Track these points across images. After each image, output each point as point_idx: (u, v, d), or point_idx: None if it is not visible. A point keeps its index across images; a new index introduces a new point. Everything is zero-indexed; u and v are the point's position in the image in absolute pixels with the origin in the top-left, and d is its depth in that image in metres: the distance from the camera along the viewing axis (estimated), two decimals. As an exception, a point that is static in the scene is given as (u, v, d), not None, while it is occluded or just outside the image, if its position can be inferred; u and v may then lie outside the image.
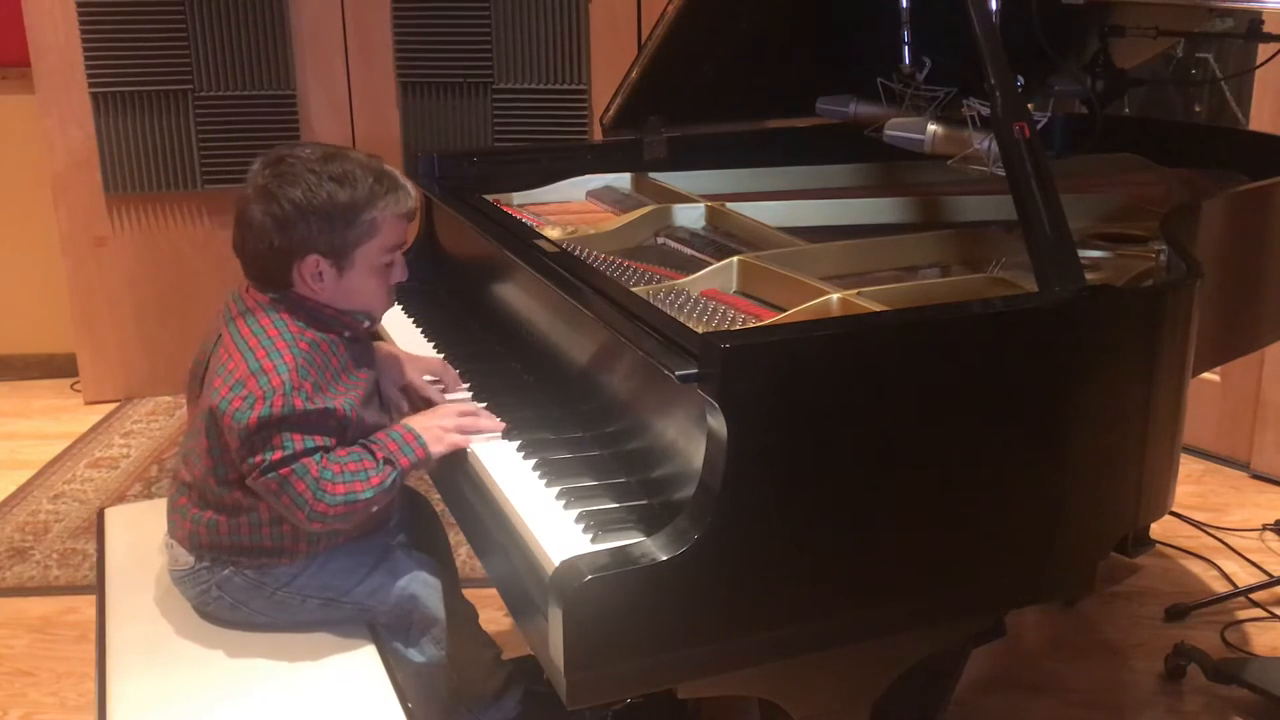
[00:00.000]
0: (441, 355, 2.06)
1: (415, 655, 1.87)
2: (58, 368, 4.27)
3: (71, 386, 4.17)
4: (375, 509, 1.70)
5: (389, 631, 1.85)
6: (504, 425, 1.73)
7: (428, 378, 1.94)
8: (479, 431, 1.72)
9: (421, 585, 1.84)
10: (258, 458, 1.61)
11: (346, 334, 1.75)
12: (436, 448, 1.69)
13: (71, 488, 3.44)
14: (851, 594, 1.44)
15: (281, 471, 1.61)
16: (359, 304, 1.75)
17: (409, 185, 1.74)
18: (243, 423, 1.60)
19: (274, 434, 1.61)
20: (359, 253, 1.69)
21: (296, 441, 1.61)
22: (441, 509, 2.10)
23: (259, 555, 1.75)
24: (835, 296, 1.68)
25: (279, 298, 1.71)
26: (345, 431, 1.68)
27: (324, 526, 1.66)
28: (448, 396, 1.90)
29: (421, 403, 1.91)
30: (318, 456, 1.63)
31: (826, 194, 2.45)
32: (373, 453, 1.67)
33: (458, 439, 1.70)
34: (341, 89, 3.96)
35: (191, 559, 1.78)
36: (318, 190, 1.64)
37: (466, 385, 1.94)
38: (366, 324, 1.79)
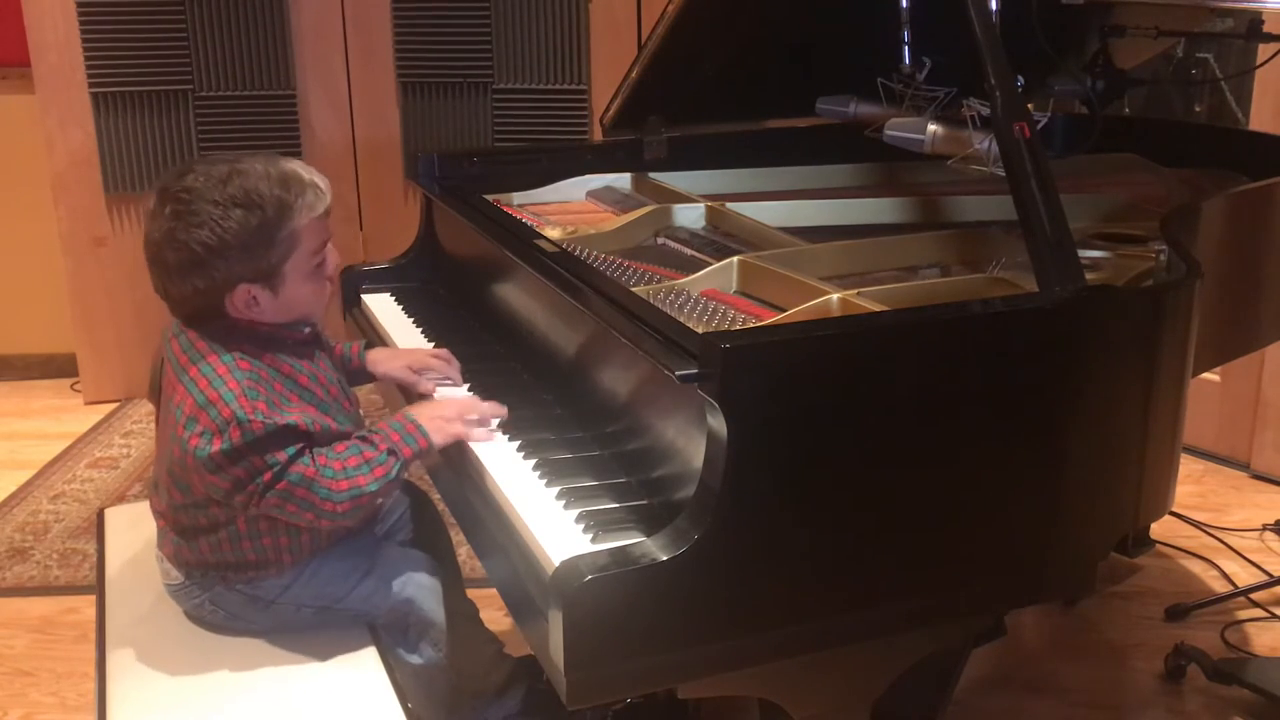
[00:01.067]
0: (441, 355, 2.07)
1: (414, 658, 1.86)
2: (58, 368, 4.27)
3: (71, 386, 4.17)
4: (380, 501, 1.69)
5: (388, 633, 1.84)
6: (506, 411, 1.73)
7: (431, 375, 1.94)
8: (480, 420, 1.72)
9: (417, 588, 1.83)
10: (250, 486, 1.59)
11: (289, 343, 1.71)
12: (438, 438, 1.69)
13: (71, 488, 3.44)
14: (852, 594, 1.44)
15: (278, 487, 1.59)
16: (298, 314, 1.70)
17: (319, 180, 1.65)
18: (204, 457, 1.57)
19: (253, 457, 1.57)
20: (288, 267, 1.63)
21: (279, 456, 1.59)
22: (443, 508, 2.10)
23: (245, 569, 1.74)
24: (835, 296, 1.68)
25: (215, 327, 1.65)
26: (311, 440, 1.64)
27: (333, 524, 1.66)
28: (448, 392, 1.90)
29: (418, 397, 1.92)
30: (306, 459, 1.61)
31: (826, 194, 2.45)
32: (374, 444, 1.66)
33: (459, 429, 1.70)
34: (341, 89, 3.96)
35: (181, 575, 1.78)
36: (226, 222, 1.55)
37: (466, 385, 1.94)
38: (307, 330, 1.75)
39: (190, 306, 1.65)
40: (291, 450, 1.60)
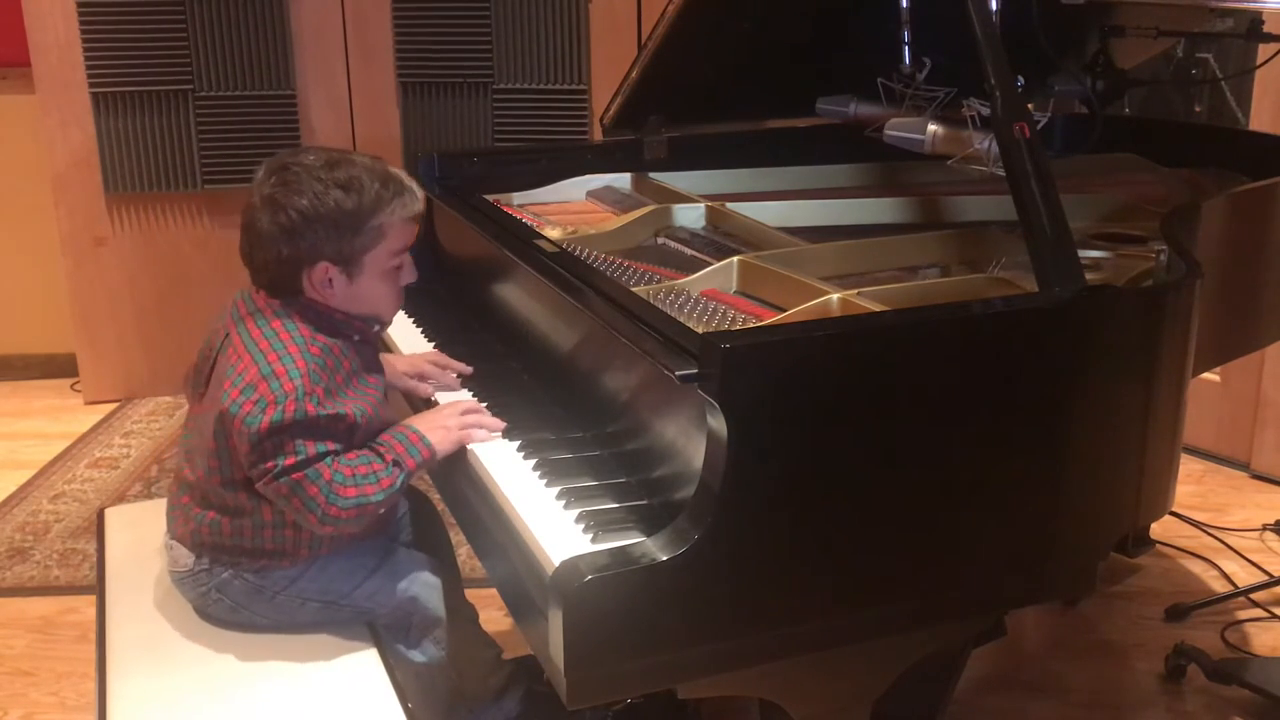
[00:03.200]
0: (441, 355, 2.07)
1: (416, 656, 1.87)
2: (58, 368, 4.27)
3: (71, 386, 4.17)
4: (383, 511, 1.71)
5: (389, 632, 1.85)
6: (505, 424, 1.73)
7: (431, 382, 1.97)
8: (482, 428, 1.72)
9: (422, 586, 1.84)
10: (269, 463, 1.61)
11: (356, 338, 1.75)
12: (442, 447, 1.70)
13: (71, 488, 3.44)
14: (851, 594, 1.44)
15: (294, 476, 1.61)
16: (369, 309, 1.75)
17: (415, 187, 1.74)
18: (254, 427, 1.59)
19: (286, 439, 1.60)
20: (368, 258, 1.70)
21: (309, 447, 1.61)
22: (443, 508, 2.10)
23: (259, 557, 1.75)
24: (835, 296, 1.68)
25: (290, 302, 1.71)
26: (354, 436, 1.68)
27: (335, 530, 1.67)
28: (450, 395, 1.90)
29: (423, 404, 1.92)
30: (329, 460, 1.62)
31: (826, 194, 2.45)
32: (381, 455, 1.67)
33: (462, 435, 1.71)
34: (341, 89, 3.96)
35: (191, 559, 1.78)
36: (325, 198, 1.64)
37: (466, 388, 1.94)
38: (376, 328, 1.80)
39: (270, 275, 1.70)
40: (323, 448, 1.62)
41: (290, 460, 1.60)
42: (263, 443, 1.60)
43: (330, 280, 1.69)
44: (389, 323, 1.83)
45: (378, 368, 1.83)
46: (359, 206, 1.66)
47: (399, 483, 1.67)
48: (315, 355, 1.65)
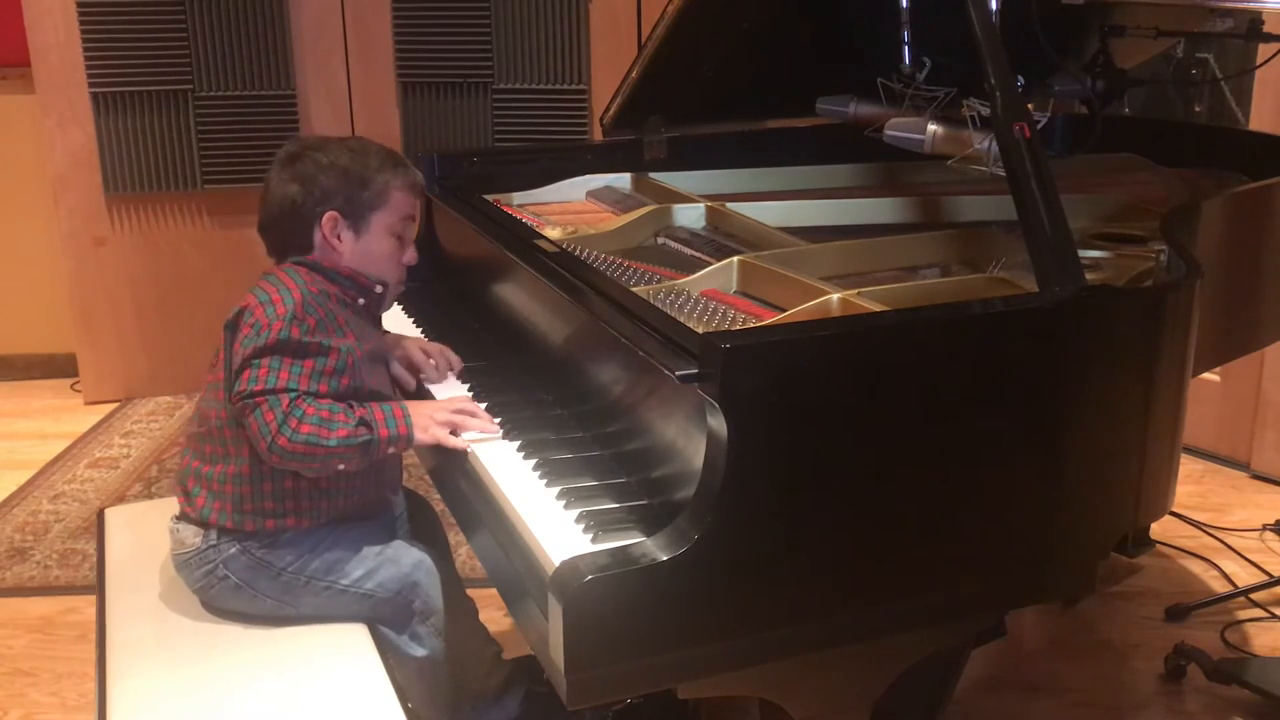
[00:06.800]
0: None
1: (415, 649, 1.87)
2: (58, 368, 4.27)
3: (71, 386, 4.17)
4: (342, 466, 1.72)
5: (388, 624, 1.85)
6: (498, 429, 1.73)
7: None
8: (469, 431, 1.72)
9: (424, 574, 1.86)
10: (242, 385, 1.67)
11: (360, 301, 1.83)
12: (420, 435, 1.71)
13: (71, 488, 3.44)
14: (852, 594, 1.44)
15: (256, 399, 1.66)
16: (375, 269, 1.84)
17: (418, 171, 1.91)
18: (247, 349, 1.69)
19: (264, 361, 1.67)
20: (374, 218, 1.82)
21: (281, 375, 1.67)
22: (441, 509, 2.10)
23: (266, 519, 1.76)
24: (835, 296, 1.68)
25: (298, 260, 1.81)
26: (342, 375, 1.72)
27: (281, 462, 1.68)
28: (450, 391, 1.91)
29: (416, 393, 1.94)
30: (294, 395, 1.66)
31: (826, 194, 2.45)
32: (351, 409, 1.70)
33: (441, 435, 1.72)
34: (341, 89, 3.96)
35: (199, 537, 1.79)
36: (338, 154, 1.81)
37: (466, 385, 1.94)
38: (380, 289, 1.85)
39: (282, 231, 1.82)
40: (294, 383, 1.67)
41: (259, 386, 1.66)
42: (247, 362, 1.68)
43: (339, 234, 1.80)
44: (392, 290, 1.90)
45: (376, 329, 1.90)
46: (366, 168, 1.82)
47: (360, 440, 1.68)
48: (313, 293, 1.75)
